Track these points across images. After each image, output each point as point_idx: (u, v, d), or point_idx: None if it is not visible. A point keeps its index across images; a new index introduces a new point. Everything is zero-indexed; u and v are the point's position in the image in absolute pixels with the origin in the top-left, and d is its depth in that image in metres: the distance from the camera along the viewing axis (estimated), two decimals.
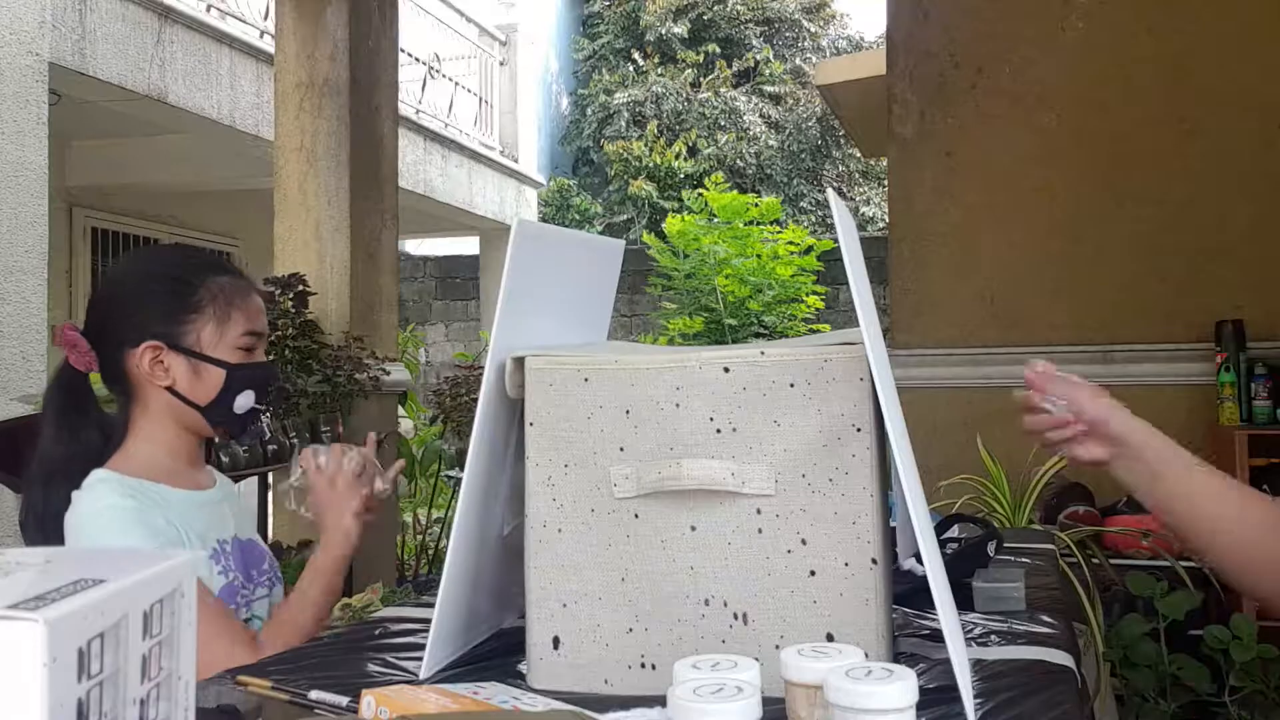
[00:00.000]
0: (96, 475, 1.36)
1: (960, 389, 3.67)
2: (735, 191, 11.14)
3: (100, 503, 1.33)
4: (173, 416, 1.42)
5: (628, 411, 0.99)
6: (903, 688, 0.62)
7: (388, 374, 4.37)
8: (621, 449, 0.99)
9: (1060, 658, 1.09)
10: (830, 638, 0.94)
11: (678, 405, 0.98)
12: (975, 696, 0.89)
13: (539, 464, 1.02)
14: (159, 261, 1.56)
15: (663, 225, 9.66)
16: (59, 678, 0.44)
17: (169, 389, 1.40)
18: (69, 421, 1.41)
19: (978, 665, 1.01)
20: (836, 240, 0.98)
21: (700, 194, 9.76)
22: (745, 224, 9.36)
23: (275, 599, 1.51)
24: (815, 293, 9.43)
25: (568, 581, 1.01)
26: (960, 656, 0.87)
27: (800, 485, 0.95)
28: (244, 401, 1.44)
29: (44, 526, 1.35)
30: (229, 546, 1.45)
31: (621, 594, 1.00)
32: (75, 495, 1.34)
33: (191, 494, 1.43)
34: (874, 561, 0.94)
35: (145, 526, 1.32)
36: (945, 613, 0.88)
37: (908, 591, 1.23)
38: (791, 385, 0.96)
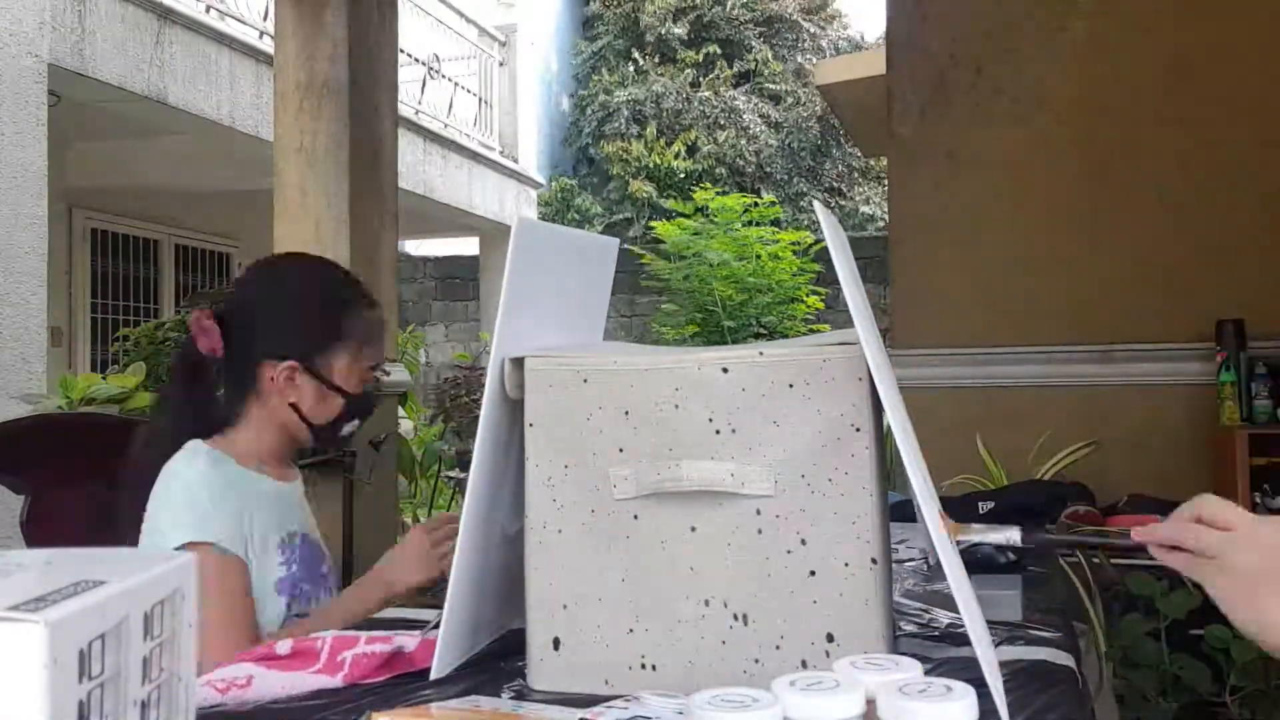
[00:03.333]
0: (192, 444, 1.43)
1: (960, 389, 3.67)
2: (736, 192, 11.15)
3: (193, 470, 1.40)
4: (282, 424, 1.49)
5: (627, 412, 0.99)
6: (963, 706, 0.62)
7: (387, 374, 4.36)
8: (621, 450, 0.99)
9: (1061, 658, 1.09)
10: (830, 638, 0.94)
11: (677, 406, 0.98)
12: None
13: (539, 465, 1.02)
14: (312, 281, 1.60)
15: (660, 227, 9.66)
16: (60, 679, 0.44)
17: (292, 405, 1.48)
18: (194, 398, 1.49)
19: (975, 666, 1.01)
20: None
21: (695, 195, 9.76)
22: (745, 224, 9.36)
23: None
24: (815, 293, 9.44)
25: (568, 582, 1.01)
26: (988, 655, 0.87)
27: (800, 486, 0.95)
28: (350, 428, 1.53)
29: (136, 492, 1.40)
30: (298, 540, 1.50)
31: (621, 595, 1.00)
32: (174, 458, 1.41)
33: (275, 483, 1.49)
34: (874, 561, 0.94)
35: (220, 499, 1.39)
36: (968, 611, 0.88)
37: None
38: (790, 386, 0.96)
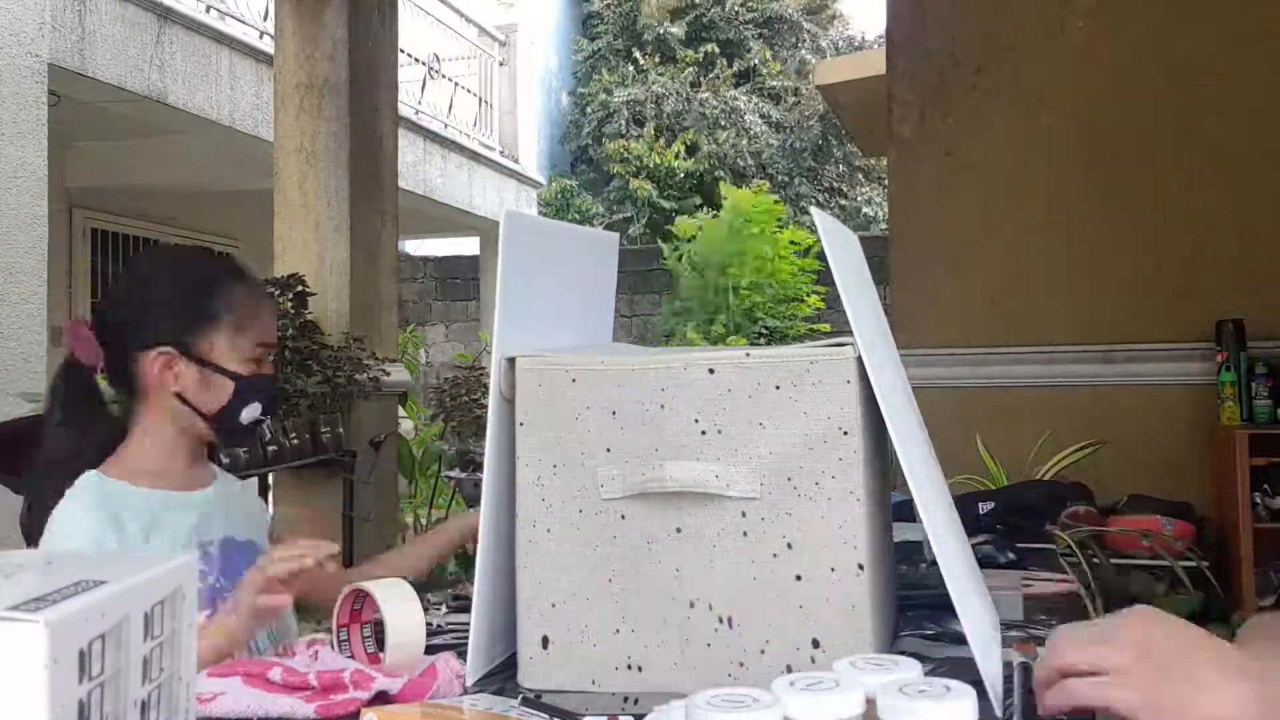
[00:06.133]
0: (85, 478, 1.36)
1: (960, 389, 3.67)
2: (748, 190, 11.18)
3: (80, 522, 1.32)
4: (176, 420, 1.42)
5: (614, 412, 0.99)
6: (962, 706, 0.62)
7: (388, 374, 4.37)
8: (608, 450, 0.99)
9: None
10: (816, 643, 0.93)
11: (663, 407, 0.98)
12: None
13: (528, 464, 1.02)
14: (177, 266, 1.53)
15: (667, 225, 9.68)
16: (60, 679, 0.44)
17: (178, 395, 1.40)
18: (76, 416, 1.41)
19: (975, 666, 1.01)
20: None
21: (721, 187, 9.77)
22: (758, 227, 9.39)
23: None
24: (816, 292, 9.44)
25: (557, 582, 1.01)
26: (984, 654, 0.87)
27: (786, 489, 0.94)
28: (250, 413, 1.43)
29: (43, 521, 1.34)
30: (213, 549, 1.44)
31: (609, 595, 1.00)
32: (65, 498, 1.34)
33: (178, 495, 1.42)
34: (860, 567, 0.93)
35: (115, 531, 1.32)
36: (966, 611, 0.88)
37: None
38: (777, 388, 0.95)
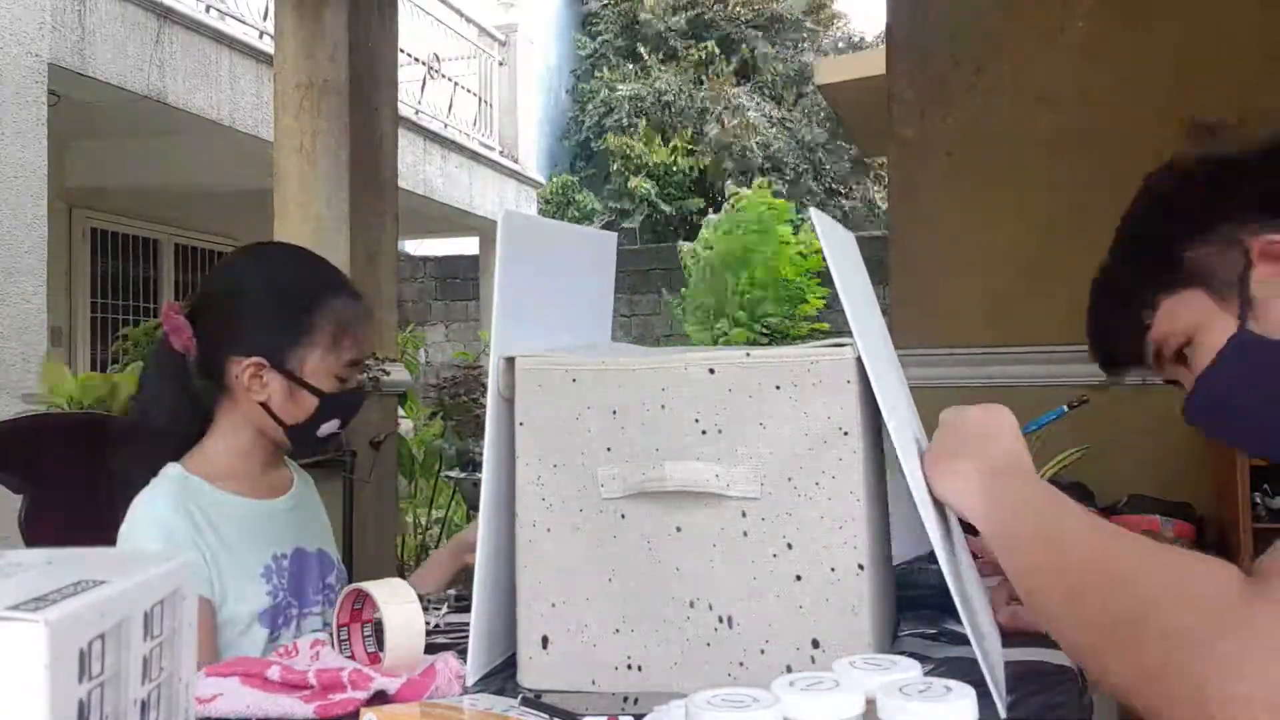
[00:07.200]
0: (169, 471, 1.37)
1: (960, 389, 3.66)
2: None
3: (155, 511, 1.34)
4: (256, 424, 1.42)
5: (614, 412, 0.99)
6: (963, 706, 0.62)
7: (387, 374, 4.36)
8: (608, 449, 0.99)
9: (1059, 657, 1.09)
10: (816, 643, 0.93)
11: (663, 406, 0.98)
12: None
13: (528, 464, 1.02)
14: (283, 274, 1.48)
15: (663, 222, 9.72)
16: (60, 679, 0.44)
17: (262, 403, 1.40)
18: (164, 397, 1.42)
19: (975, 666, 1.01)
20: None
21: (738, 195, 9.83)
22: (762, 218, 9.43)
23: None
24: (819, 294, 9.46)
25: (557, 581, 1.01)
26: (985, 652, 0.87)
27: (786, 488, 0.94)
28: (328, 427, 1.44)
29: (124, 493, 1.36)
30: (286, 561, 1.43)
31: (609, 594, 1.00)
32: (148, 486, 1.36)
33: (257, 504, 1.43)
34: (860, 567, 0.93)
35: (190, 526, 1.34)
36: (965, 609, 0.88)
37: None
38: (777, 388, 0.95)
